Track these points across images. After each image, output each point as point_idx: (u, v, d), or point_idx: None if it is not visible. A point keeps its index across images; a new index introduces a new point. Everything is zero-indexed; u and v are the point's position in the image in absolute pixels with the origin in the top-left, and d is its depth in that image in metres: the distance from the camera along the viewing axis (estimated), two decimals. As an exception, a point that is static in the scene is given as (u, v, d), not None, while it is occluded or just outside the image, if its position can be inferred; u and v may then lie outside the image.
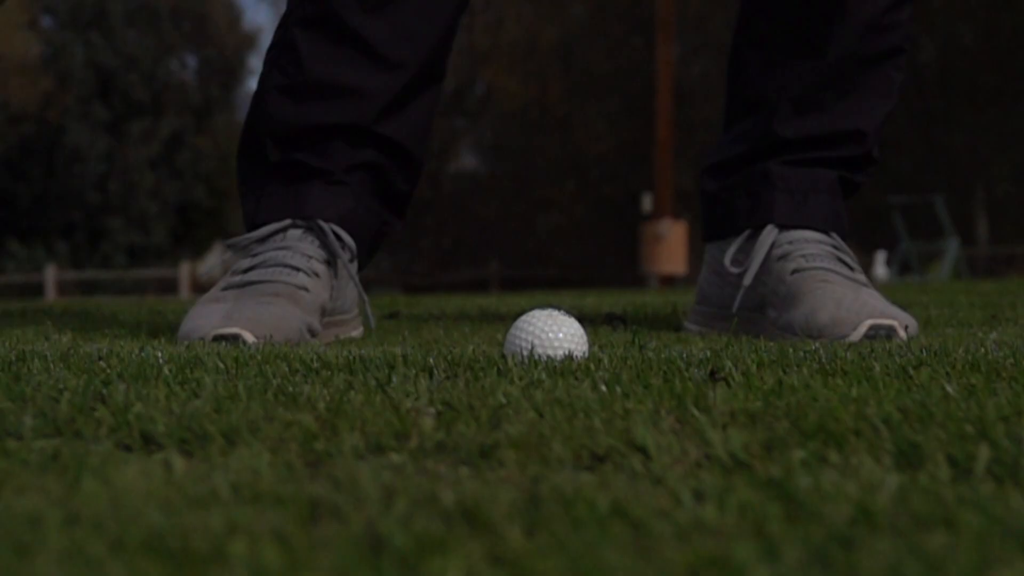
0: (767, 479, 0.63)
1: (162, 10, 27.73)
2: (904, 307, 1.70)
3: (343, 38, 1.77)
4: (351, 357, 1.17)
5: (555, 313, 1.19)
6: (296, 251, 1.72)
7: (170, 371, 1.07)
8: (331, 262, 1.75)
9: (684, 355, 1.16)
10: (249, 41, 29.56)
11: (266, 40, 2.35)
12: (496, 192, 26.44)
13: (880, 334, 1.57)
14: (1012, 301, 2.77)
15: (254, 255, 1.74)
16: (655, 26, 15.82)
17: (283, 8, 1.85)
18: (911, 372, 1.01)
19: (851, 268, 1.77)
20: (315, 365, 1.12)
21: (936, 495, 0.59)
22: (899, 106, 1.89)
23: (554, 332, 1.17)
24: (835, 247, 1.79)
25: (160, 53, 27.54)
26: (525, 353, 1.15)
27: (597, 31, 24.19)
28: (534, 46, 24.82)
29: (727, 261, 1.83)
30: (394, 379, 0.99)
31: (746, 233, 1.84)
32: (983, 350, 1.20)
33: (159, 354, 1.21)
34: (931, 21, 18.97)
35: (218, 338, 1.50)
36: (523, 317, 1.19)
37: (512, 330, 1.19)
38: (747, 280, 1.77)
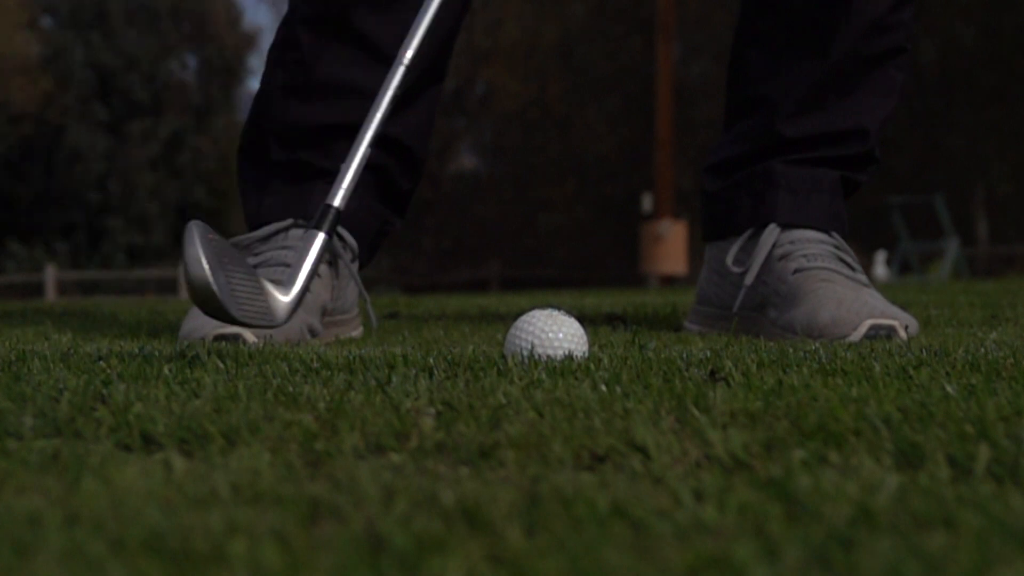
0: (767, 479, 0.63)
1: (162, 10, 27.74)
2: (904, 307, 1.70)
3: (347, 37, 1.77)
4: (351, 357, 1.17)
5: (555, 313, 1.19)
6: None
7: (170, 371, 1.07)
8: (333, 262, 1.75)
9: (684, 355, 1.16)
10: (249, 41, 29.55)
11: (266, 40, 2.36)
12: (496, 192, 26.43)
13: (880, 334, 1.57)
14: (1012, 301, 2.77)
15: (256, 254, 1.74)
16: (655, 26, 15.83)
17: (283, 8, 1.85)
18: (911, 372, 1.01)
19: (852, 268, 1.76)
20: (315, 365, 1.12)
21: (936, 495, 0.59)
22: (899, 106, 1.89)
23: (554, 332, 1.17)
24: (836, 247, 1.79)
25: (160, 53, 27.54)
26: (525, 353, 1.15)
27: (597, 31, 24.18)
28: (534, 46, 24.80)
29: (730, 260, 1.83)
30: (394, 379, 0.99)
31: (748, 232, 1.84)
32: (983, 350, 1.20)
33: (159, 354, 1.21)
34: (931, 21, 18.95)
35: (219, 338, 1.50)
36: (523, 317, 1.19)
37: (512, 330, 1.19)
38: (748, 279, 1.77)
